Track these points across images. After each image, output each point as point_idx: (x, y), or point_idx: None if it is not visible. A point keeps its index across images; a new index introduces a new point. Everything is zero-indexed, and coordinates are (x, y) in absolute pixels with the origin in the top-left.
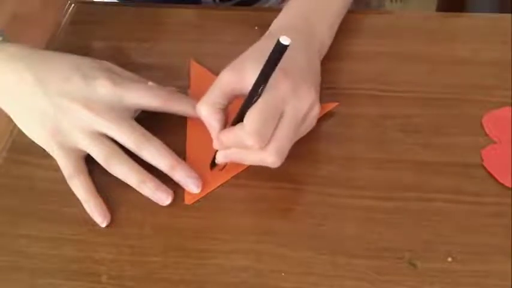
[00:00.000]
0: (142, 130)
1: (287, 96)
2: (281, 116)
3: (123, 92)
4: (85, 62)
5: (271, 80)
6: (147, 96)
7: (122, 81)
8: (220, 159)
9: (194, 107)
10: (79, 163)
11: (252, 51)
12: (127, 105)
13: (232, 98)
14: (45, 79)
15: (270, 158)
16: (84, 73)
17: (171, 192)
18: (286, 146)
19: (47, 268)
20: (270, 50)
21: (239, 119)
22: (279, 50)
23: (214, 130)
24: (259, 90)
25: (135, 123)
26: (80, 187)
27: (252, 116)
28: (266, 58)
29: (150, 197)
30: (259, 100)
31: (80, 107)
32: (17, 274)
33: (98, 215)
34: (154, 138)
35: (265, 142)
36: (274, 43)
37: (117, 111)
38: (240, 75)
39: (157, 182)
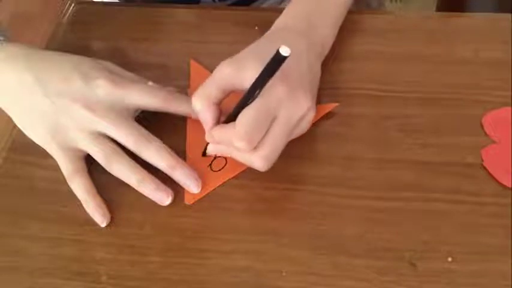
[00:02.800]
0: (143, 130)
1: (282, 101)
2: (274, 119)
3: (123, 92)
4: (85, 61)
5: (268, 83)
6: (147, 97)
7: (121, 81)
8: (211, 151)
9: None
10: (79, 163)
11: (252, 49)
12: (127, 105)
13: (228, 93)
14: (44, 79)
15: (258, 163)
16: (84, 73)
17: (171, 192)
18: (277, 152)
19: (47, 268)
20: (269, 52)
21: (232, 117)
22: (278, 60)
23: (207, 124)
24: (255, 94)
25: (135, 124)
26: (80, 187)
27: (244, 119)
28: (264, 58)
29: (150, 197)
30: (253, 103)
31: (80, 107)
32: (17, 274)
33: (98, 215)
34: (155, 138)
35: (253, 145)
36: (274, 45)
37: (117, 111)
38: (238, 71)
39: (157, 182)
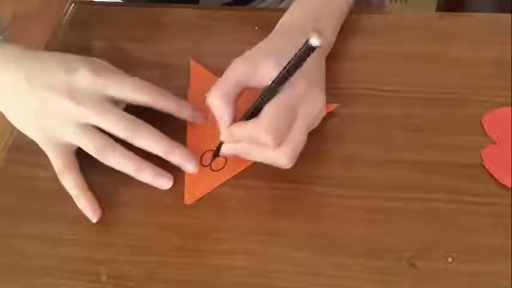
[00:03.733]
0: (131, 117)
1: (302, 97)
2: (295, 116)
3: (105, 81)
4: (73, 57)
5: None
6: (128, 87)
7: (103, 71)
8: (225, 151)
9: (179, 106)
10: (69, 158)
11: (263, 46)
12: (110, 96)
13: (243, 90)
14: (33, 77)
15: (283, 160)
16: (66, 66)
17: (170, 176)
18: (299, 148)
19: (47, 268)
20: (281, 48)
21: (252, 114)
22: (307, 51)
23: (225, 122)
24: (278, 88)
25: (123, 112)
26: (70, 182)
27: (270, 112)
28: (277, 54)
29: (150, 183)
30: (277, 97)
31: (64, 99)
32: (17, 274)
33: (89, 211)
34: (145, 124)
35: (279, 140)
36: (284, 41)
37: (101, 100)
38: (253, 67)
39: (154, 167)
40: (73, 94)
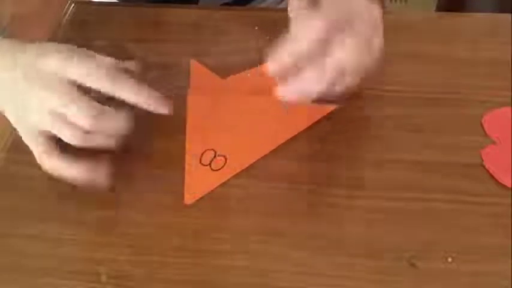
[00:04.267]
0: (98, 105)
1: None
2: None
3: (67, 63)
4: (46, 44)
5: None
6: (86, 68)
7: (72, 54)
8: (289, 92)
9: (138, 94)
10: (49, 145)
11: None
12: (71, 79)
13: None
14: (30, 75)
15: (348, 54)
16: (41, 53)
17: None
18: (363, 46)
19: (47, 268)
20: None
21: None
22: None
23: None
24: None
25: (89, 100)
26: (52, 168)
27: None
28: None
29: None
30: None
31: (38, 87)
32: (17, 274)
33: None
34: (108, 109)
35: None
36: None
37: (68, 86)
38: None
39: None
40: (45, 81)
